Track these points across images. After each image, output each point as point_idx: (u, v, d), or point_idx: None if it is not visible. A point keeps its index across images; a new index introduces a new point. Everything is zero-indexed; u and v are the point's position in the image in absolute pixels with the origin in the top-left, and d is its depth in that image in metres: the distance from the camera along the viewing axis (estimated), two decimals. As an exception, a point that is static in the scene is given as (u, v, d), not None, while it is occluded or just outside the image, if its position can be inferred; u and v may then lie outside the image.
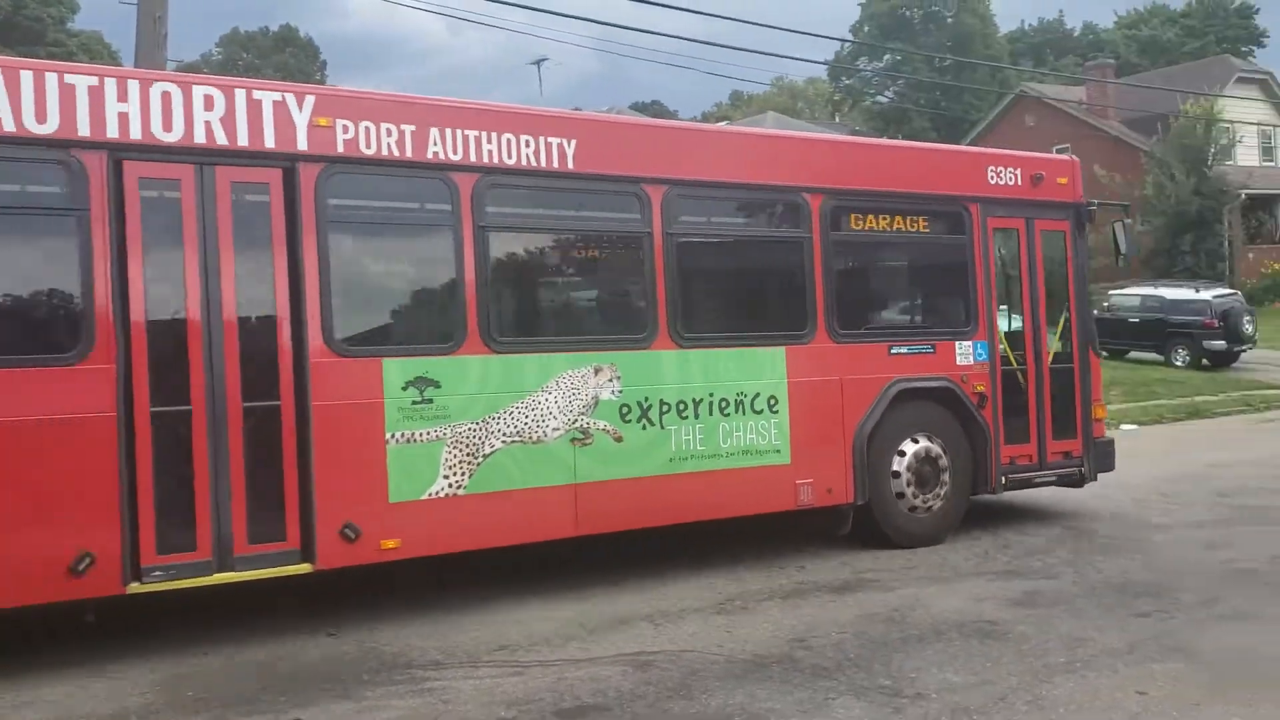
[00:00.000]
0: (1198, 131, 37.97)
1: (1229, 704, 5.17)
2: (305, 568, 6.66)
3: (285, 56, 59.38)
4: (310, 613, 7.17)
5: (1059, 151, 44.16)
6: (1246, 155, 40.82)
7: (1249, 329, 24.97)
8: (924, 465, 8.97)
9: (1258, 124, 42.81)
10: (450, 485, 7.07)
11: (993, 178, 9.61)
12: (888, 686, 5.53)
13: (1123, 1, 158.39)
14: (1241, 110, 40.69)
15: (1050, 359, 9.73)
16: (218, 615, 7.09)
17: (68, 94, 6.17)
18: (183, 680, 5.97)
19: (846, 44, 60.44)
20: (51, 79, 6.16)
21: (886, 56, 64.49)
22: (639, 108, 74.05)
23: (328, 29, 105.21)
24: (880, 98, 67.69)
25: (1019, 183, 9.72)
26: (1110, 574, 7.80)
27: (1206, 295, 25.44)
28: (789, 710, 5.25)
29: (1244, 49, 70.91)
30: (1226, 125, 39.12)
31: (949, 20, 63.76)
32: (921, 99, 60.57)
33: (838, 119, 69.66)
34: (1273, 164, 42.49)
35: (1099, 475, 9.87)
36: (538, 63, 54.04)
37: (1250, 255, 39.94)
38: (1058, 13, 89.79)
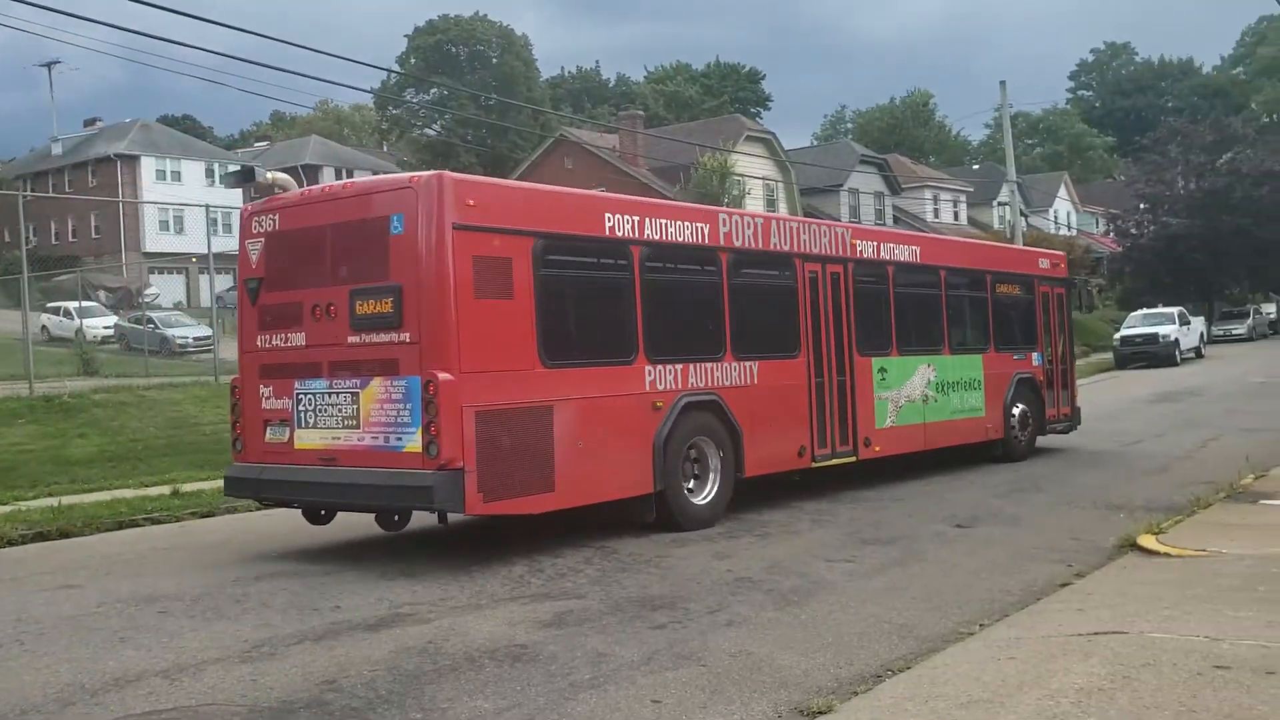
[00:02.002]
0: (714, 182, 41.90)
1: (730, 703, 5.64)
2: (853, 459, 13.11)
3: None
4: None
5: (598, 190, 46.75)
6: (754, 205, 45.60)
7: None
8: (1024, 417, 16.56)
9: (763, 178, 48.05)
10: (891, 421, 13.81)
11: (1040, 263, 17.91)
12: (418, 720, 5.48)
13: (652, 58, 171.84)
14: (750, 165, 45.47)
15: (1059, 361, 17.74)
16: None
17: (792, 229, 13.02)
18: None
19: (393, 74, 60.40)
20: (781, 222, 13.40)
21: (434, 90, 65.26)
22: (169, 121, 69.25)
23: None
24: (428, 130, 68.29)
25: (1048, 267, 17.93)
26: (632, 590, 8.28)
27: None
28: (314, 757, 5.03)
29: (753, 110, 79.47)
30: (738, 178, 43.53)
31: (494, 61, 65.73)
32: (469, 135, 61.88)
33: (385, 148, 69.40)
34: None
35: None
36: (48, 65, 49.10)
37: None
38: (595, 63, 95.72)
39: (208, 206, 26.13)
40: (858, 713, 5.36)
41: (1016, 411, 16.37)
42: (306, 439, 9.74)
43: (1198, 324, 43.47)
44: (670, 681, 6.02)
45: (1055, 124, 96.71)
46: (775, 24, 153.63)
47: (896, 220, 55.65)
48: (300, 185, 11.27)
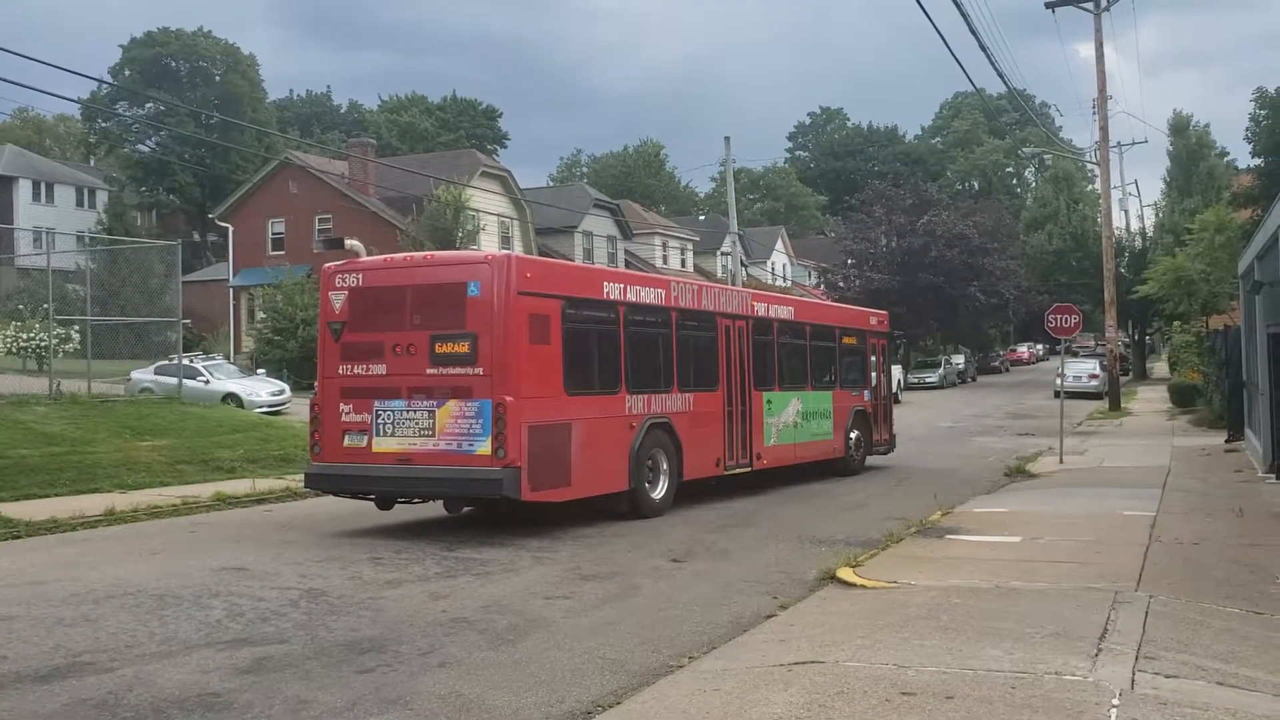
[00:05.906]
0: (448, 216, 41.49)
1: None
2: (749, 469, 16.65)
3: None
4: None
5: (320, 220, 45.57)
6: (489, 242, 45.47)
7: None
8: (858, 441, 20.34)
9: (499, 215, 48.04)
10: (774, 440, 17.38)
11: (870, 320, 21.96)
12: (88, 782, 4.98)
13: (386, 87, 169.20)
14: (485, 201, 45.36)
15: (881, 398, 21.72)
16: None
17: (714, 293, 16.81)
18: None
19: (104, 85, 56.43)
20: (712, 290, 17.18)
21: (149, 105, 61.47)
22: None
23: None
24: (141, 146, 64.20)
25: (874, 323, 21.94)
26: (340, 633, 7.91)
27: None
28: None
29: (490, 147, 79.48)
30: (473, 213, 43.31)
31: (217, 79, 62.73)
32: (187, 153, 58.64)
33: (93, 162, 64.71)
34: (510, 251, 47.81)
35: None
36: None
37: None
38: (326, 88, 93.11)
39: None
40: (565, 751, 5.30)
41: (853, 436, 20.22)
42: (384, 445, 12.51)
43: (896, 372, 46.78)
44: (374, 727, 5.77)
45: (774, 181, 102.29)
46: (516, 65, 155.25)
47: (629, 264, 57.00)
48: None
